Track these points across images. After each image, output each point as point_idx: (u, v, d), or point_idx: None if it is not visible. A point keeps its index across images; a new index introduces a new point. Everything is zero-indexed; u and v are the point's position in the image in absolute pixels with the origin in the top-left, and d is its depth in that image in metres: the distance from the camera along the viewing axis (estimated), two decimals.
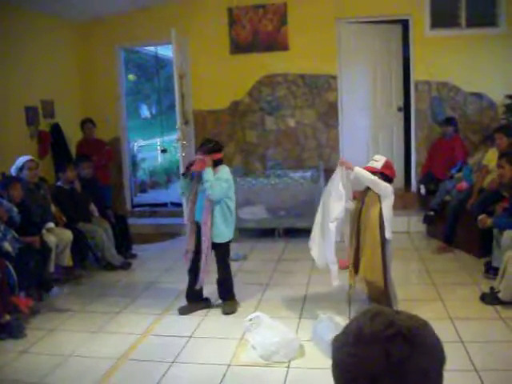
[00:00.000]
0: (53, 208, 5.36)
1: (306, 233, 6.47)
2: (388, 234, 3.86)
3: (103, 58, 7.64)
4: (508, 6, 6.56)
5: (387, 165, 3.97)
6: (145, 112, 15.46)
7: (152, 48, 9.86)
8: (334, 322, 3.53)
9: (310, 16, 6.92)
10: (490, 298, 4.14)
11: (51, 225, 5.12)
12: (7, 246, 4.28)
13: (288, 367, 3.33)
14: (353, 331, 0.93)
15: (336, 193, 3.89)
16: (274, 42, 7.15)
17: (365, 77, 7.30)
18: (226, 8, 7.20)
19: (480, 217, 4.70)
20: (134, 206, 8.18)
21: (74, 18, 7.43)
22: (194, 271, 4.26)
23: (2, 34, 5.99)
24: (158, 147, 11.69)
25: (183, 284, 4.44)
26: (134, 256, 6.10)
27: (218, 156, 4.21)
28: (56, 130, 6.91)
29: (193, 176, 4.22)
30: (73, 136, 7.11)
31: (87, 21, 7.52)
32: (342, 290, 4.36)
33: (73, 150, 7.04)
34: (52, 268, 4.93)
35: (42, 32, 6.78)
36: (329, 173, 4.13)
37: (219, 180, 4.09)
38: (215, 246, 4.22)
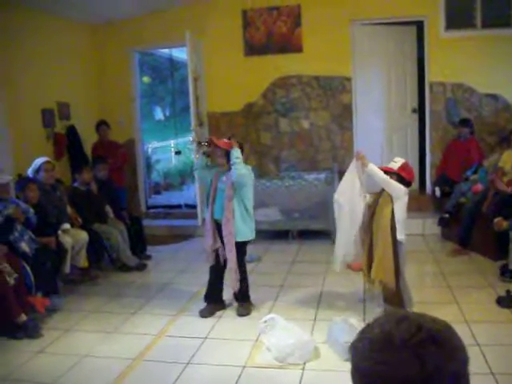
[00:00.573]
0: (69, 209, 5.41)
1: (319, 235, 6.55)
2: (400, 236, 3.81)
3: (118, 61, 7.71)
4: None
5: (404, 166, 3.91)
6: (159, 114, 15.51)
7: (166, 50, 9.88)
8: (349, 324, 3.52)
9: (324, 17, 6.90)
10: (506, 302, 4.10)
11: (67, 226, 5.17)
12: (24, 247, 4.33)
13: (303, 369, 3.33)
14: (378, 337, 0.89)
15: (354, 191, 3.91)
16: (288, 44, 7.15)
17: (379, 78, 7.29)
18: (241, 10, 7.22)
19: (496, 219, 4.66)
20: (148, 208, 8.23)
21: (90, 22, 7.52)
22: (215, 273, 4.30)
23: (19, 38, 6.07)
24: (172, 149, 11.72)
25: (197, 286, 4.46)
26: (148, 257, 6.14)
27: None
28: (72, 132, 6.98)
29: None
30: (88, 138, 7.17)
31: (102, 24, 7.60)
32: (356, 291, 4.36)
33: (88, 151, 7.10)
34: (68, 269, 4.99)
35: (58, 35, 6.86)
36: (343, 175, 4.10)
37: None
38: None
